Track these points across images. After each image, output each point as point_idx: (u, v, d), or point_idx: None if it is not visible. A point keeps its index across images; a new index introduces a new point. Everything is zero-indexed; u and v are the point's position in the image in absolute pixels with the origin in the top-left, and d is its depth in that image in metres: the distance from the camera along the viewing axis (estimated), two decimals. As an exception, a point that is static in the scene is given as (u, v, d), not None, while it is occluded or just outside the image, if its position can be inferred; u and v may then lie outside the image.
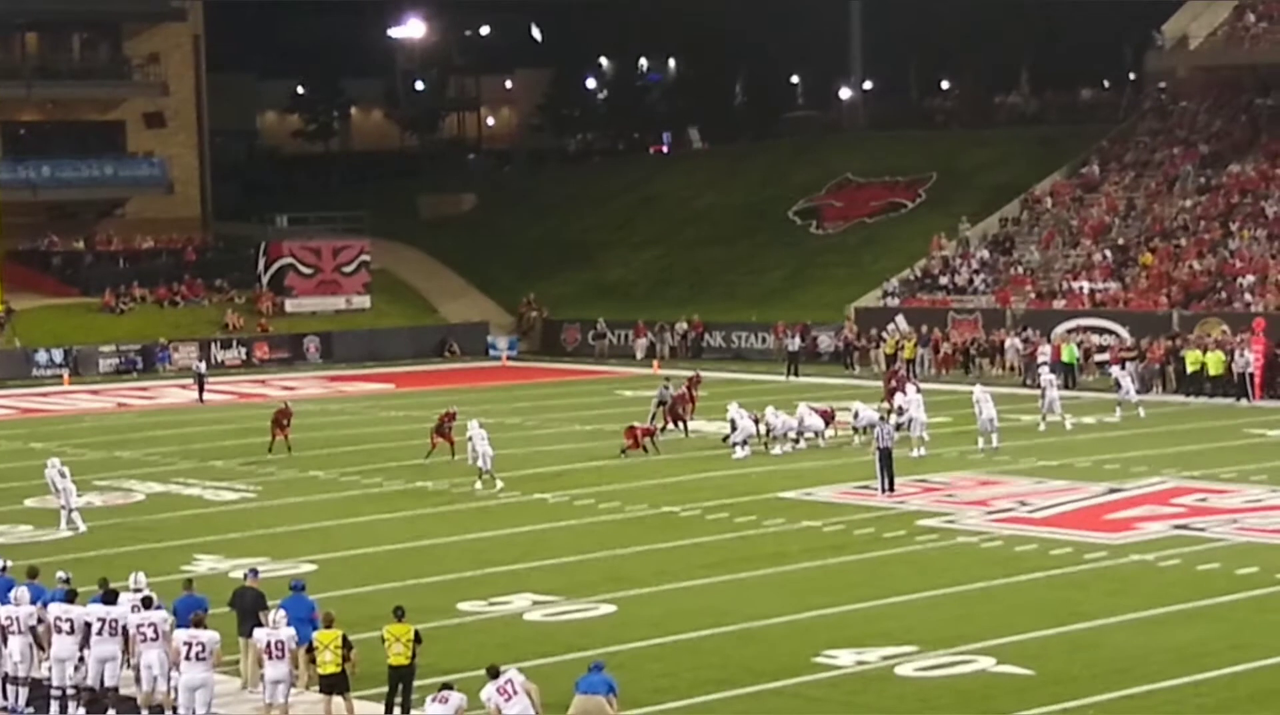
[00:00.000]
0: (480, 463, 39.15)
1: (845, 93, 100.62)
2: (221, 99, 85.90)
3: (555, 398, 57.14)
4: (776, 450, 42.97)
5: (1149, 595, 26.87)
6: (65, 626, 22.02)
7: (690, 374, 51.53)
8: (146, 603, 22.30)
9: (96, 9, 78.65)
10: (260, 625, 21.78)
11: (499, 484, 38.67)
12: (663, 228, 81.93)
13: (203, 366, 60.53)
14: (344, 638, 20.86)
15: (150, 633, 21.54)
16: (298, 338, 71.10)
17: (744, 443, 42.47)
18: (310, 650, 21.29)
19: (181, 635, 21.15)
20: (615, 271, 79.43)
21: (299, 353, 70.40)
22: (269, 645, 21.12)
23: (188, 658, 20.89)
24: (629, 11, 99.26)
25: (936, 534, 32.31)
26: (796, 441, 43.53)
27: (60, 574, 23.35)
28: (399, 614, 21.35)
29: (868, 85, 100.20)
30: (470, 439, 39.93)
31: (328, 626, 21.38)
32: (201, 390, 58.23)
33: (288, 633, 21.24)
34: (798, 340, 63.92)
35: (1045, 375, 48.67)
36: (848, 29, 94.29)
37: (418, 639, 21.24)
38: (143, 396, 60.51)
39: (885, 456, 36.26)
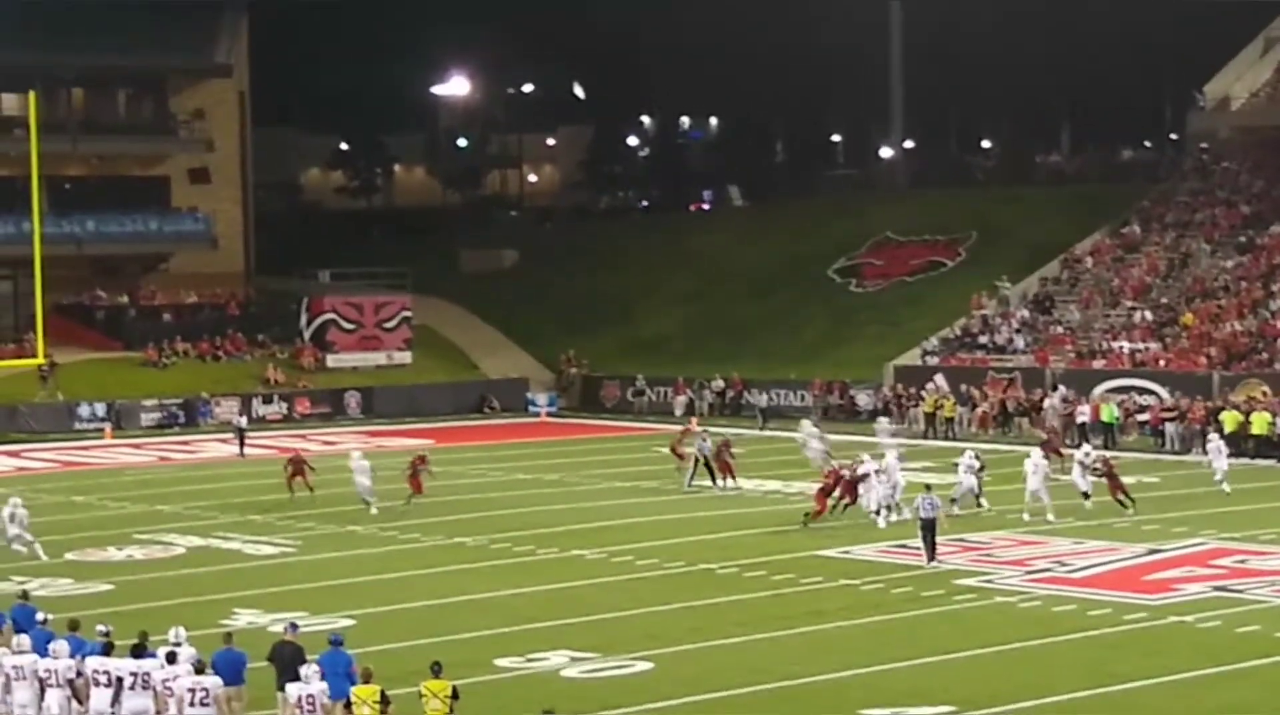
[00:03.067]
0: (364, 495, 43.89)
1: (885, 151, 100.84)
2: (265, 154, 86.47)
3: (594, 454, 57.21)
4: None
5: (1187, 657, 26.78)
6: (103, 680, 22.10)
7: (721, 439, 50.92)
8: (171, 658, 22.40)
9: (142, 65, 79.22)
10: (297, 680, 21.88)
11: (374, 511, 43.30)
12: (702, 285, 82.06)
13: (243, 421, 60.81)
14: (382, 693, 20.92)
15: (172, 687, 21.63)
16: (339, 393, 71.35)
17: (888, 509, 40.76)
18: (348, 705, 21.36)
19: (187, 682, 21.30)
20: (654, 328, 79.56)
21: (340, 408, 70.61)
22: (300, 700, 21.19)
23: (191, 704, 21.03)
24: (671, 69, 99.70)
25: (975, 593, 32.24)
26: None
27: (100, 627, 23.47)
28: (436, 670, 21.38)
29: (908, 144, 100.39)
30: (354, 472, 44.02)
31: (366, 681, 21.44)
32: (242, 444, 58.53)
33: (319, 687, 21.30)
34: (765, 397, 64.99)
35: (1214, 442, 47.88)
36: (888, 87, 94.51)
37: (455, 695, 21.25)
38: (184, 451, 60.76)
39: (928, 527, 35.69)
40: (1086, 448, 44.98)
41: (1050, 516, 40.53)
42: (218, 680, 21.35)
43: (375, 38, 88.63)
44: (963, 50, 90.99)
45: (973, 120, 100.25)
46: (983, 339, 68.33)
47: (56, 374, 66.53)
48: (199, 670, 21.57)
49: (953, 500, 41.44)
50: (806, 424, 51.41)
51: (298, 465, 46.95)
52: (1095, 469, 42.55)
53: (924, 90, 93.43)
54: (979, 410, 61.89)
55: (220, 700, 21.20)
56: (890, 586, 32.94)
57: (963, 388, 63.17)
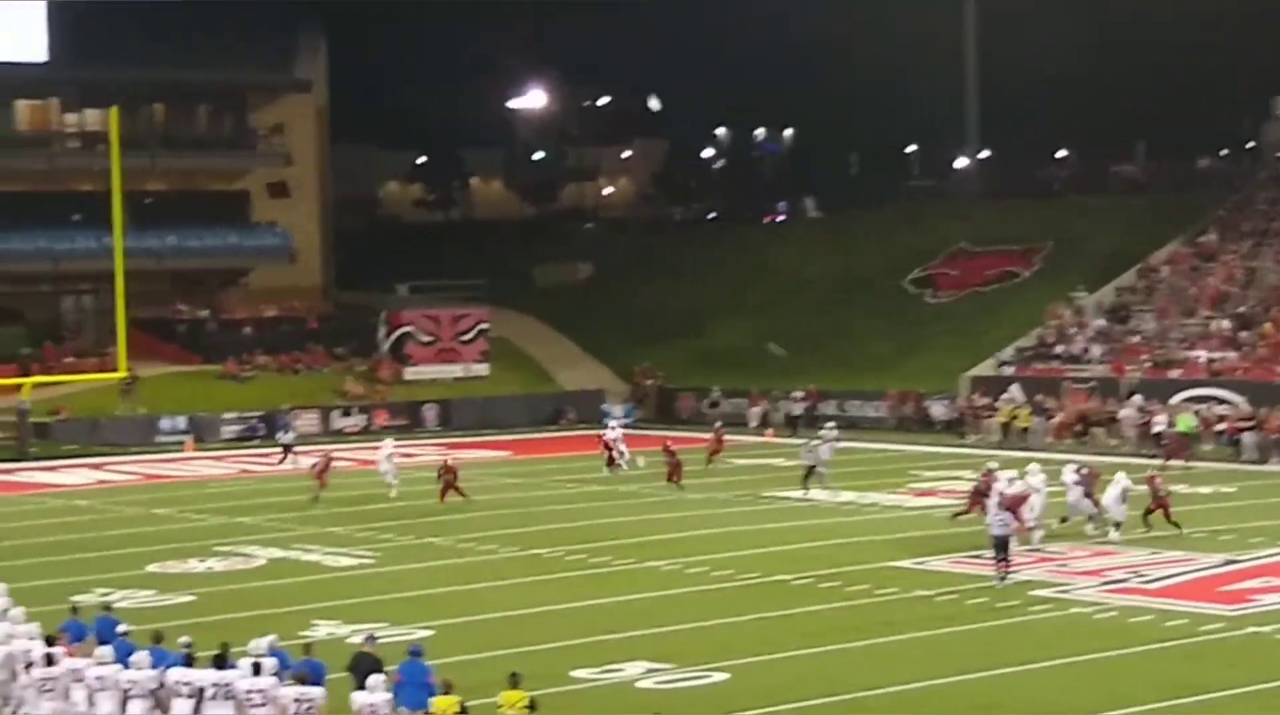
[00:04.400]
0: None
1: (961, 161, 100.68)
2: (344, 169, 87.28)
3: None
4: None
5: (1265, 668, 26.69)
6: (185, 691, 22.44)
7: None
8: (256, 668, 22.71)
9: (223, 81, 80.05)
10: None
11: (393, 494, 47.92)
12: (777, 296, 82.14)
13: (290, 436, 60.93)
14: (462, 705, 21.13)
15: (258, 699, 21.95)
16: (416, 405, 71.79)
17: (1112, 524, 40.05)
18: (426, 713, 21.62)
19: (291, 692, 21.59)
20: (729, 339, 79.67)
21: (417, 420, 71.04)
22: (363, 709, 21.45)
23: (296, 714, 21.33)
24: (746, 82, 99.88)
25: (1050, 604, 32.21)
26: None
27: (182, 639, 23.81)
28: (514, 681, 21.59)
29: (983, 154, 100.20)
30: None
31: (447, 693, 21.67)
32: (285, 457, 58.86)
33: (383, 697, 21.55)
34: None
35: None
36: (963, 98, 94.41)
37: (533, 706, 21.44)
38: (264, 463, 61.25)
39: (1000, 544, 35.51)
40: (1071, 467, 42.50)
41: (1108, 531, 40.10)
42: (322, 691, 21.62)
43: (453, 53, 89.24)
44: (1038, 60, 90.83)
45: (1048, 130, 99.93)
46: (1058, 349, 68.19)
47: (138, 387, 67.19)
48: (302, 681, 21.84)
49: (1063, 519, 41.09)
50: (828, 431, 51.95)
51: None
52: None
53: (999, 100, 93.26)
54: (1055, 420, 61.78)
55: (323, 711, 21.47)
56: (964, 598, 32.97)
57: (1038, 398, 63.05)
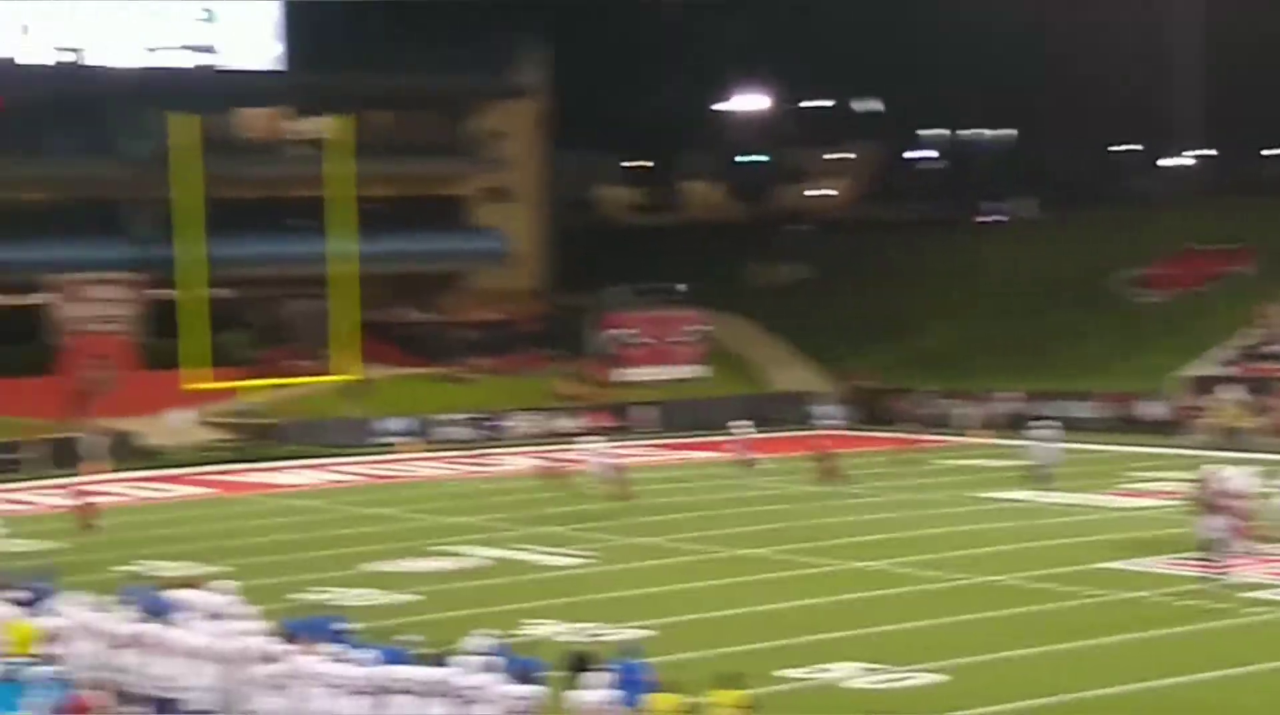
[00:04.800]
0: None
1: (1179, 160, 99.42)
2: (562, 173, 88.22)
3: (879, 466, 57.46)
4: None
5: None
6: (405, 688, 23.03)
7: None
8: (438, 660, 23.34)
9: (445, 87, 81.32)
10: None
11: None
12: (991, 297, 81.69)
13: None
14: (683, 704, 21.54)
15: (477, 696, 22.57)
16: (631, 407, 72.36)
17: None
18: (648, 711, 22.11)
19: (509, 691, 22.20)
20: (942, 341, 79.40)
21: (632, 422, 71.62)
22: (585, 708, 21.98)
23: (512, 712, 21.93)
24: (962, 82, 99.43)
25: (1266, 606, 31.99)
26: None
27: (410, 637, 24.50)
28: (733, 681, 21.98)
29: (1203, 152, 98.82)
30: None
31: (668, 691, 22.14)
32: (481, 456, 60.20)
33: (608, 695, 22.08)
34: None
35: None
36: (1187, 96, 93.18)
37: (751, 706, 21.84)
38: (484, 464, 62.18)
39: (1213, 545, 35.21)
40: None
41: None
42: (540, 689, 22.22)
43: (670, 56, 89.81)
44: (1264, 57, 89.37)
45: (1270, 128, 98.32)
46: (1275, 348, 67.25)
47: (361, 390, 68.40)
48: (518, 680, 22.45)
49: None
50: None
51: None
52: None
53: (1221, 99, 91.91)
54: (1271, 420, 60.98)
55: (540, 710, 22.06)
56: (1178, 599, 32.81)
57: (1254, 398, 62.28)
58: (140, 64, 70.52)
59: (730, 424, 60.22)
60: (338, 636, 25.80)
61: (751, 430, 59.22)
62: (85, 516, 46.51)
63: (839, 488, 51.24)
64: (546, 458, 52.51)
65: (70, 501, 48.03)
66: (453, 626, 27.96)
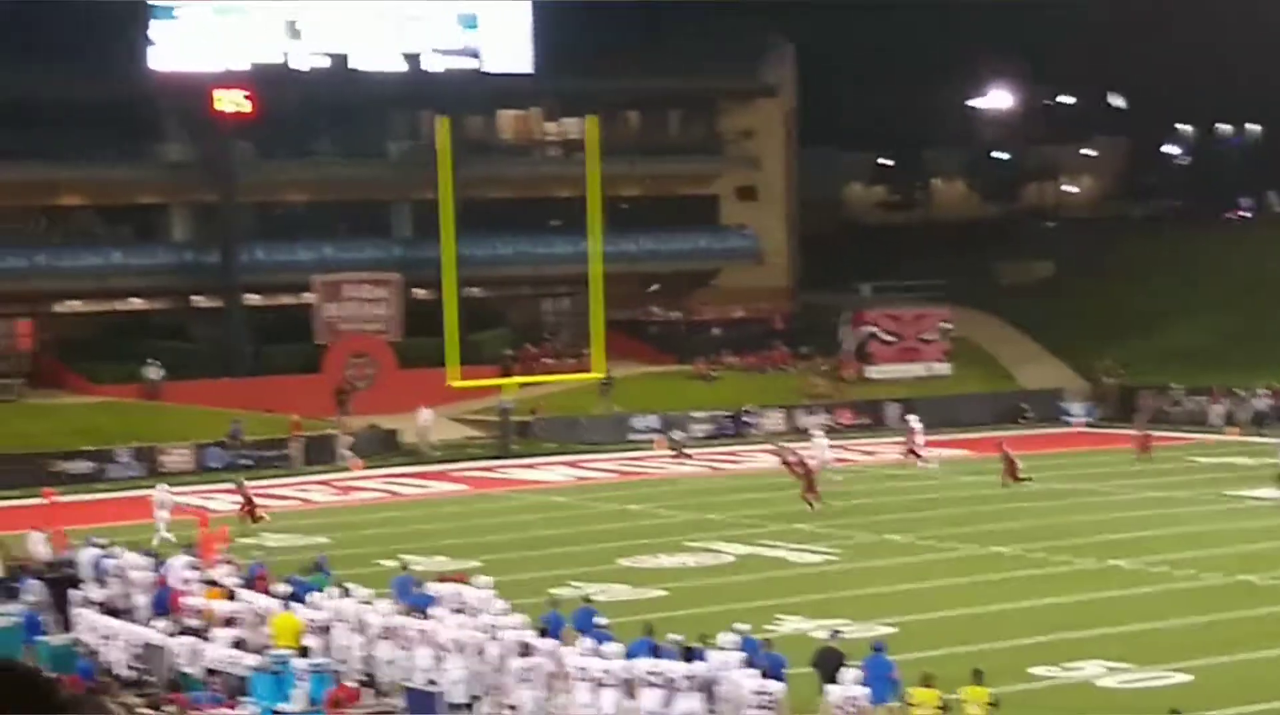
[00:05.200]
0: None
1: None
2: (809, 172, 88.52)
3: (1130, 464, 57.05)
4: None
5: None
6: (657, 680, 23.77)
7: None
8: (688, 655, 23.94)
9: (695, 88, 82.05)
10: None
11: None
12: (1240, 293, 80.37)
13: (679, 433, 62.57)
14: (942, 700, 21.94)
15: (723, 692, 23.16)
16: (879, 404, 72.43)
17: None
18: (905, 704, 22.56)
19: (752, 685, 22.78)
20: (1191, 337, 78.30)
21: (880, 419, 71.64)
22: (841, 701, 22.49)
23: (754, 707, 22.50)
24: (1209, 77, 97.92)
25: None
26: None
27: (672, 636, 25.11)
28: (978, 677, 22.34)
29: None
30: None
31: (927, 685, 22.55)
32: (678, 456, 60.55)
33: (861, 691, 22.55)
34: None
35: None
36: None
37: (995, 703, 22.18)
38: (732, 461, 62.70)
39: None
40: None
41: None
42: (782, 685, 22.76)
43: (916, 55, 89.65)
44: None
45: None
46: None
47: (614, 387, 69.26)
48: (765, 675, 23.04)
49: None
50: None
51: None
52: None
53: None
54: None
55: (783, 705, 22.61)
56: None
57: None
58: (403, 68, 72.20)
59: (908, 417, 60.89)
60: (591, 630, 26.54)
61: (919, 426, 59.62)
62: (249, 517, 47.47)
63: (1015, 487, 50.98)
64: (777, 453, 52.74)
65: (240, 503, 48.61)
66: (703, 622, 28.40)
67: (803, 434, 63.84)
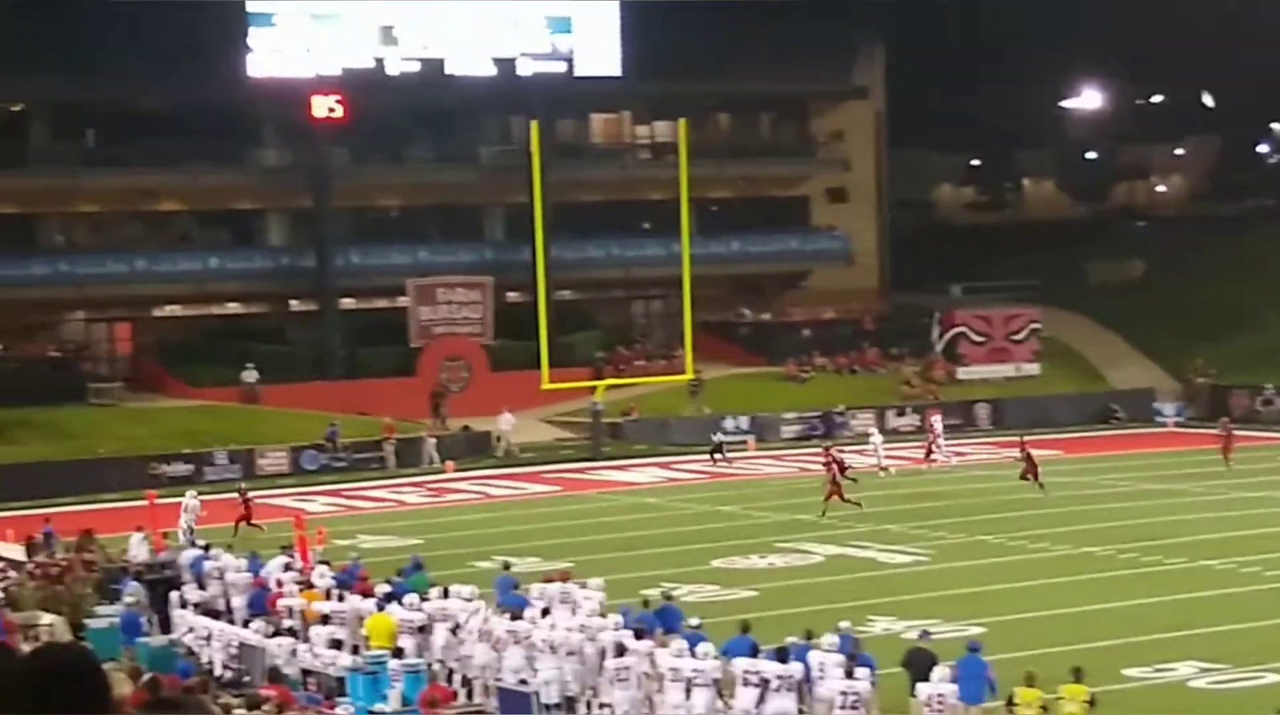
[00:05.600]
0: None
1: None
2: (899, 173, 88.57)
3: (1222, 464, 56.76)
4: None
5: None
6: (753, 680, 24.04)
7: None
8: (783, 654, 24.21)
9: (785, 90, 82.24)
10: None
11: None
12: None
13: (720, 436, 62.95)
14: (1043, 701, 22.14)
15: (817, 689, 23.46)
16: (969, 405, 72.38)
17: None
18: (1010, 704, 22.78)
19: (838, 685, 23.05)
20: (1281, 336, 77.83)
21: (970, 419, 71.61)
22: (930, 699, 22.75)
23: (842, 707, 22.77)
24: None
25: None
26: None
27: (792, 638, 25.40)
28: (1077, 675, 22.46)
29: None
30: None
31: (1029, 685, 22.74)
32: (717, 459, 60.93)
33: (949, 689, 22.78)
34: None
35: None
36: None
37: (1092, 702, 22.34)
38: (823, 462, 62.73)
39: None
40: None
41: None
42: (867, 686, 23.03)
43: (1006, 55, 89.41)
44: None
45: None
46: None
47: (704, 388, 69.55)
48: (848, 674, 23.32)
49: None
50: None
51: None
52: None
53: None
54: None
55: (870, 705, 22.88)
56: None
57: None
58: (495, 73, 72.82)
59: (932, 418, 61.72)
60: (684, 631, 26.86)
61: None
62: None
63: (1038, 486, 50.96)
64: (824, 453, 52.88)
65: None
66: (793, 623, 28.60)
67: (890, 434, 64.11)
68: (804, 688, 23.86)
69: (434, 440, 63.78)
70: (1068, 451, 61.48)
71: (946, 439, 60.69)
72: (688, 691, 24.29)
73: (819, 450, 55.46)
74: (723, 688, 24.24)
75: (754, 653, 24.91)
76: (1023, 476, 51.18)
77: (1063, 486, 52.41)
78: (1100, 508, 47.78)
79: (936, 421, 61.00)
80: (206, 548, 36.90)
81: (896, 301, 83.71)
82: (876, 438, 58.88)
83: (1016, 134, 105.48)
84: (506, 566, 35.20)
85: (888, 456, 57.76)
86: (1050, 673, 23.92)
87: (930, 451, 59.37)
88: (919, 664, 24.43)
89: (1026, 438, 54.96)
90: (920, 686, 23.22)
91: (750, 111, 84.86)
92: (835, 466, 49.47)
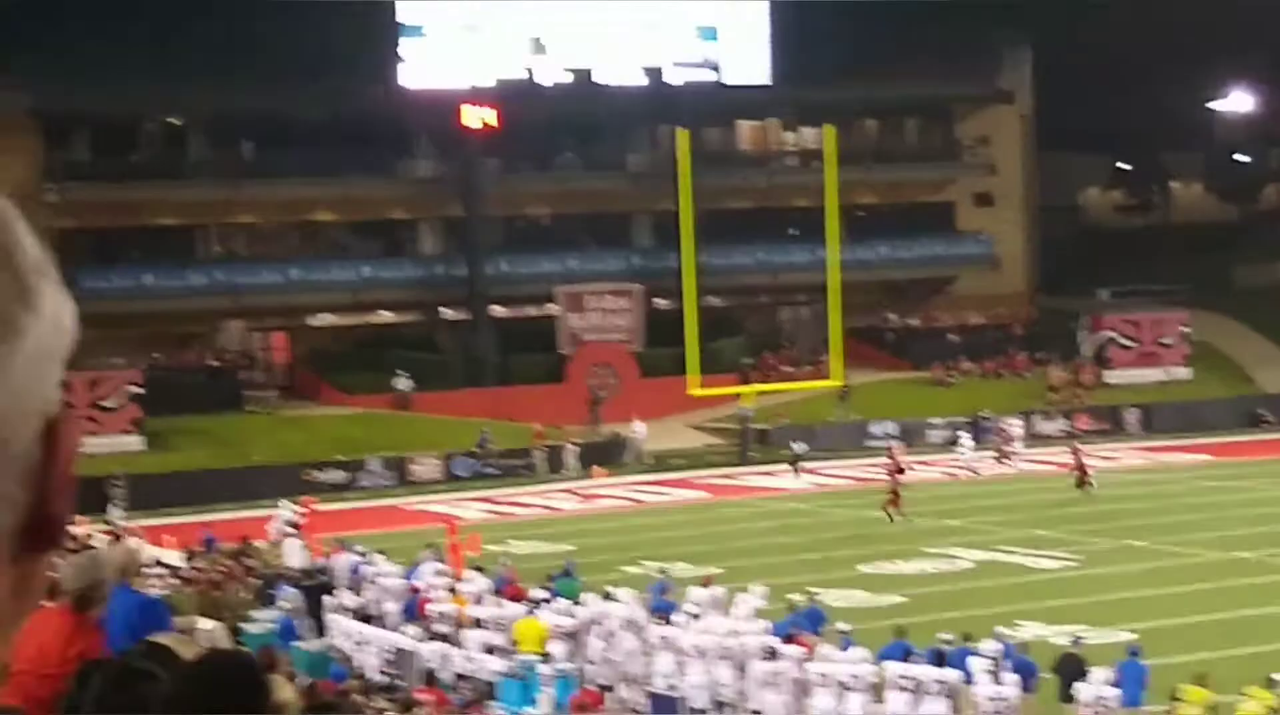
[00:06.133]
0: None
1: None
2: (1045, 176, 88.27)
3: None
4: None
5: None
6: (908, 685, 24.28)
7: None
8: (939, 658, 24.44)
9: (931, 95, 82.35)
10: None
11: None
12: None
13: (803, 446, 62.85)
14: (1212, 703, 22.30)
15: (935, 689, 23.70)
16: (1117, 409, 72.06)
17: None
18: (1173, 698, 22.95)
19: (987, 691, 23.27)
20: None
21: (1119, 424, 71.26)
22: (1092, 700, 22.90)
23: (994, 713, 23.00)
24: None
25: None
26: None
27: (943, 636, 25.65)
28: (1271, 683, 22.49)
29: None
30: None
31: (1200, 684, 22.89)
32: (796, 470, 61.06)
33: (1111, 692, 22.95)
34: None
35: None
36: None
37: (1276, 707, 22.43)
38: (968, 467, 62.70)
39: None
40: None
41: None
42: (1016, 691, 23.23)
43: (1154, 58, 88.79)
44: None
45: None
46: None
47: (851, 395, 69.70)
48: (998, 680, 23.53)
49: None
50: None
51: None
52: None
53: None
54: None
55: (1019, 710, 23.08)
56: None
57: None
58: (644, 82, 73.54)
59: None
60: (834, 635, 27.16)
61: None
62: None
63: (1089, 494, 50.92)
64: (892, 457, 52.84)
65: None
66: (942, 628, 28.63)
67: (1036, 439, 64.10)
68: (958, 692, 24.05)
69: (576, 447, 64.44)
70: (1217, 456, 61.06)
71: (1094, 445, 60.47)
72: (839, 696, 24.49)
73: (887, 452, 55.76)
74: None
75: (906, 657, 25.14)
76: (1081, 480, 51.54)
77: (1212, 491, 52.17)
78: (1252, 512, 47.40)
79: (1011, 427, 61.00)
80: (362, 554, 37.62)
81: (1043, 306, 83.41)
82: (967, 441, 59.02)
83: (1164, 136, 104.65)
84: (663, 572, 35.64)
85: (1025, 460, 57.97)
86: (1239, 673, 23.94)
87: (1002, 455, 59.29)
88: (1070, 669, 24.57)
89: (1177, 442, 54.91)
90: (1080, 687, 23.31)
91: (897, 117, 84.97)
92: (895, 471, 49.78)
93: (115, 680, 3.91)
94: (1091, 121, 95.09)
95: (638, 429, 65.29)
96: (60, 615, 8.23)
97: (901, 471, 50.23)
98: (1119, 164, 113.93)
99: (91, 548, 32.44)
